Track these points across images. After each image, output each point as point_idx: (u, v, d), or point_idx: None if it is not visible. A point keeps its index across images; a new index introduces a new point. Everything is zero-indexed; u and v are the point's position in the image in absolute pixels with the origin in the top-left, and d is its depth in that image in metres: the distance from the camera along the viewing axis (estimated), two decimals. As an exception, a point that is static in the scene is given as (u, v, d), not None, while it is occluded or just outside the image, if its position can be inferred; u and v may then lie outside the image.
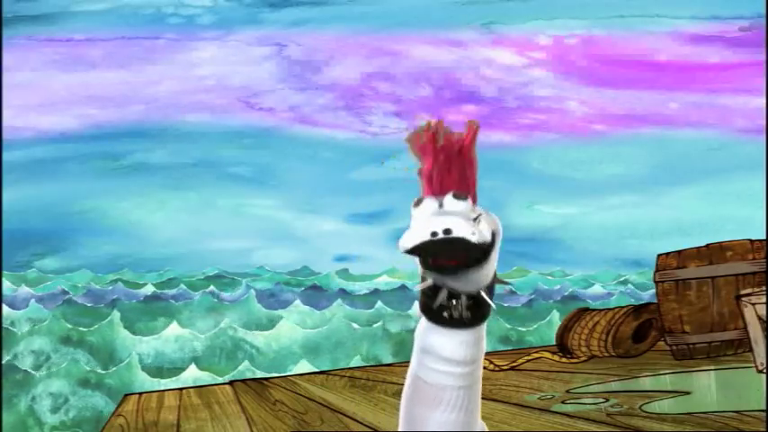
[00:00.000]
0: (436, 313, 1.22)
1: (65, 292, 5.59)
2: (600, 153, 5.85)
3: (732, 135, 5.79)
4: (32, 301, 5.53)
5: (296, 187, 5.79)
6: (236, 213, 5.77)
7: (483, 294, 1.21)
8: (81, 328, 5.50)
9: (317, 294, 5.77)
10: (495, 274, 1.23)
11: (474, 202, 1.21)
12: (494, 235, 1.18)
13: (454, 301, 1.21)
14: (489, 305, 1.22)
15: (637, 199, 5.80)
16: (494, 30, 5.92)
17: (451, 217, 1.13)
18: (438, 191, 1.19)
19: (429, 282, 1.20)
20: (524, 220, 5.78)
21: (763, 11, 5.62)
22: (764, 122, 5.51)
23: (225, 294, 5.72)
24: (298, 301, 5.74)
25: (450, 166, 1.21)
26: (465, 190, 1.21)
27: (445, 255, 1.15)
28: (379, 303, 5.67)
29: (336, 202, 5.71)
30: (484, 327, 1.26)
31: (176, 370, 5.45)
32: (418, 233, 1.11)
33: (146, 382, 5.36)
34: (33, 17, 5.79)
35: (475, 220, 1.15)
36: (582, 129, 5.89)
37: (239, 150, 5.82)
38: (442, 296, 1.21)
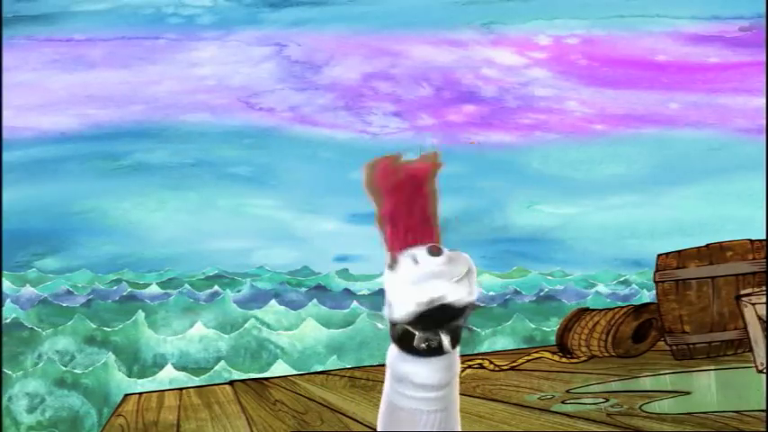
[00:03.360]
0: (414, 347, 1.20)
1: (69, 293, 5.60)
2: (600, 153, 5.85)
3: (732, 135, 5.79)
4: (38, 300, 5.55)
5: (296, 187, 5.79)
6: (236, 213, 5.77)
7: (465, 326, 1.19)
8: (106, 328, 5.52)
9: (317, 294, 5.77)
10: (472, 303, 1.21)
11: (437, 239, 1.17)
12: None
13: (437, 336, 1.20)
14: (461, 329, 1.21)
15: (637, 199, 5.80)
16: (494, 30, 5.92)
17: (445, 283, 1.09)
18: (403, 240, 1.15)
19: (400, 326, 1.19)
20: (524, 220, 5.78)
21: (763, 11, 5.62)
22: (764, 122, 5.51)
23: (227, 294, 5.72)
24: (302, 301, 5.75)
25: (412, 207, 1.15)
26: (430, 234, 1.16)
27: (446, 321, 1.12)
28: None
29: (336, 202, 5.71)
30: (457, 349, 1.26)
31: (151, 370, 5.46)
32: (412, 304, 1.08)
33: (122, 382, 5.37)
34: (33, 17, 5.79)
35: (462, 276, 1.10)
36: (582, 129, 5.89)
37: (239, 150, 5.82)
38: (423, 336, 1.19)
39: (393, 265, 1.12)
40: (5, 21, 5.67)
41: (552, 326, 5.57)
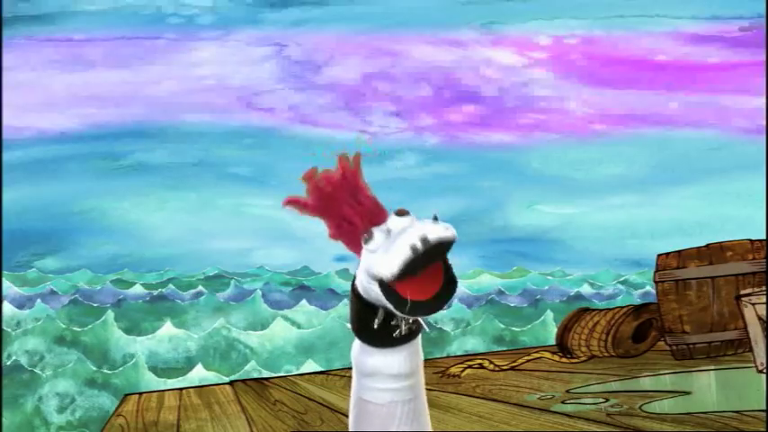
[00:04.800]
0: (386, 335, 1.23)
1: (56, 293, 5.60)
2: (600, 153, 5.85)
3: (732, 135, 5.79)
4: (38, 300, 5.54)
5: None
6: (236, 213, 5.77)
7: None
8: (77, 328, 5.50)
9: (316, 294, 5.77)
10: None
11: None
12: None
13: (409, 319, 1.22)
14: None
15: (637, 199, 5.80)
16: (494, 30, 5.92)
17: (423, 225, 1.16)
18: (368, 222, 1.20)
19: (381, 313, 1.22)
20: (524, 220, 5.78)
21: (763, 11, 5.63)
22: (764, 122, 5.51)
23: (223, 294, 5.72)
24: (303, 301, 5.75)
25: (359, 198, 1.26)
26: (382, 212, 1.22)
27: (437, 258, 1.17)
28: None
29: (336, 202, 5.68)
30: (419, 337, 1.28)
31: (178, 370, 5.45)
32: (403, 251, 1.13)
33: (151, 381, 5.37)
34: (33, 17, 5.79)
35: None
36: (582, 129, 5.89)
37: (239, 150, 5.82)
38: (404, 321, 1.23)
39: (368, 238, 1.18)
40: (5, 21, 5.67)
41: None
